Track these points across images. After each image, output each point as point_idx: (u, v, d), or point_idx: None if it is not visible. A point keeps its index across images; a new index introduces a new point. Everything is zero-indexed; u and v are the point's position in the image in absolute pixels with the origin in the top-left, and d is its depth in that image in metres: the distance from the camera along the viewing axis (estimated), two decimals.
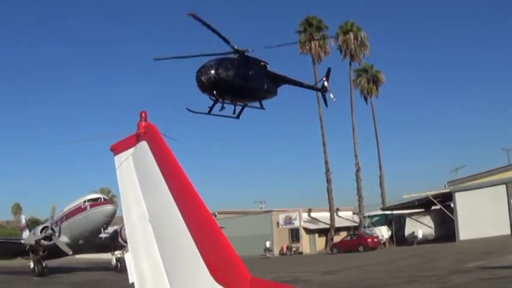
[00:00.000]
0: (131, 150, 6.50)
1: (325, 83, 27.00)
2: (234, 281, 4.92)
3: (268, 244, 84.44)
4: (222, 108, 22.54)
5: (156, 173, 5.98)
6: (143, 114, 6.20)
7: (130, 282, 6.41)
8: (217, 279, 5.07)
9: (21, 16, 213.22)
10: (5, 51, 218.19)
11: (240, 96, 22.92)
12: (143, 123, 6.22)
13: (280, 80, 24.26)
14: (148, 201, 6.30)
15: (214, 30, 21.38)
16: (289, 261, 71.32)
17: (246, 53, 22.54)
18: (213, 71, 21.58)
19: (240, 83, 22.06)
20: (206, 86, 21.64)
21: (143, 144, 6.23)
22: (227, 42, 21.91)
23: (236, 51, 22.26)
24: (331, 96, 26.85)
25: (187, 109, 22.86)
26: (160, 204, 5.98)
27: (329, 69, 27.76)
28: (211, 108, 22.56)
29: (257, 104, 23.72)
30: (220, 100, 22.26)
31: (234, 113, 23.18)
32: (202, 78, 21.58)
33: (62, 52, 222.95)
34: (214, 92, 21.77)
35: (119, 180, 6.81)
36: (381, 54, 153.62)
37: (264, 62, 23.57)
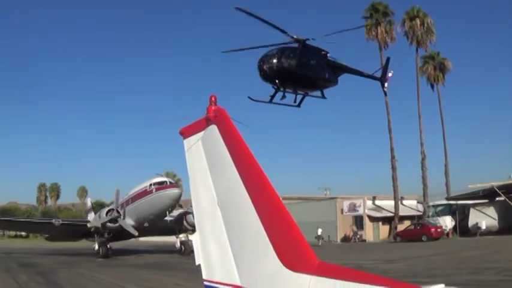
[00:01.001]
0: (201, 133, 6.55)
1: (389, 74, 26.89)
2: (301, 265, 4.98)
3: (320, 231, 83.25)
4: (283, 97, 22.59)
5: (226, 157, 6.00)
6: (213, 98, 6.17)
7: (197, 264, 6.54)
8: (285, 263, 5.12)
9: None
10: (93, 34, 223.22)
11: (302, 85, 22.92)
12: (213, 107, 6.24)
13: (340, 69, 24.16)
14: (217, 185, 6.32)
15: (267, 22, 21.54)
16: (352, 248, 71.19)
17: (306, 42, 22.58)
18: (275, 60, 21.60)
19: (302, 72, 22.04)
20: (269, 75, 21.69)
21: (213, 128, 6.27)
22: (283, 31, 22.00)
23: (297, 40, 22.34)
24: (385, 85, 26.74)
25: (249, 97, 22.98)
26: (230, 188, 5.98)
27: (388, 59, 27.58)
28: (272, 97, 22.65)
29: (318, 93, 23.78)
30: (282, 89, 22.39)
31: (295, 101, 23.28)
32: (265, 67, 21.62)
33: (135, 40, 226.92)
34: (277, 80, 21.91)
35: (188, 164, 6.88)
36: (448, 42, 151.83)
37: (324, 51, 23.52)
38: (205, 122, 6.40)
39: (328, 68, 23.39)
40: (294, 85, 22.64)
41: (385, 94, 27.48)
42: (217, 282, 6.31)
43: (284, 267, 5.14)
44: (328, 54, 23.48)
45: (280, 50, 21.97)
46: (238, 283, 5.92)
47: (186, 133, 6.91)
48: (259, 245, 5.44)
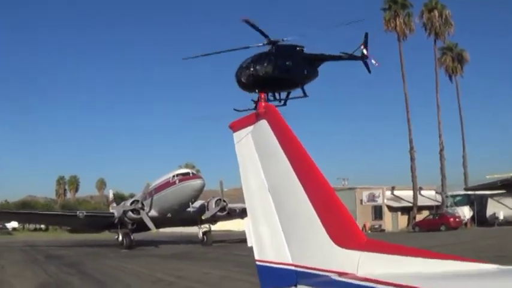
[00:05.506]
0: (250, 127, 7.11)
1: (364, 51, 27.11)
2: (351, 243, 5.51)
3: None
4: (267, 100, 23.29)
5: (277, 147, 6.52)
6: (262, 95, 6.91)
7: (249, 245, 7.06)
8: (336, 241, 5.63)
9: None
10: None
11: (282, 87, 23.54)
12: (263, 103, 6.88)
13: (319, 60, 24.62)
14: (268, 173, 6.85)
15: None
16: (372, 237, 71.37)
17: (278, 43, 23.15)
18: (250, 70, 22.31)
19: (279, 75, 22.63)
20: (247, 85, 22.28)
21: (263, 123, 6.82)
22: (265, 36, 22.64)
23: (269, 43, 22.91)
24: (373, 62, 26.92)
25: (234, 109, 23.44)
26: (281, 175, 6.48)
27: (366, 34, 27.68)
28: (256, 103, 23.28)
29: (299, 93, 24.37)
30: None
31: (280, 101, 23.87)
32: (242, 78, 22.26)
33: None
34: (256, 89, 22.56)
35: (238, 154, 7.44)
36: (466, 33, 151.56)
37: (299, 46, 23.98)
38: (255, 117, 7.05)
39: (306, 62, 23.97)
40: (274, 89, 23.29)
41: (369, 71, 27.34)
42: (269, 262, 6.84)
43: (335, 245, 5.66)
44: (303, 49, 24.08)
45: (254, 58, 22.64)
46: (290, 261, 6.43)
47: (236, 127, 7.51)
48: (310, 225, 5.98)
